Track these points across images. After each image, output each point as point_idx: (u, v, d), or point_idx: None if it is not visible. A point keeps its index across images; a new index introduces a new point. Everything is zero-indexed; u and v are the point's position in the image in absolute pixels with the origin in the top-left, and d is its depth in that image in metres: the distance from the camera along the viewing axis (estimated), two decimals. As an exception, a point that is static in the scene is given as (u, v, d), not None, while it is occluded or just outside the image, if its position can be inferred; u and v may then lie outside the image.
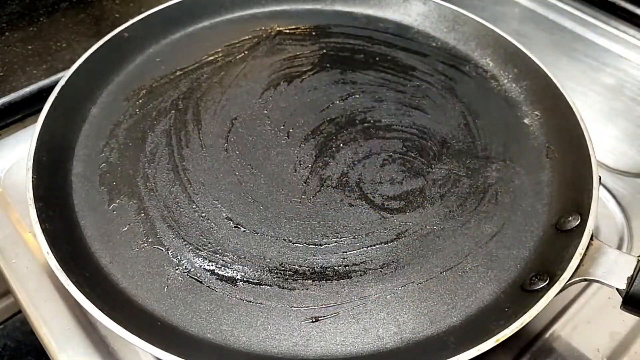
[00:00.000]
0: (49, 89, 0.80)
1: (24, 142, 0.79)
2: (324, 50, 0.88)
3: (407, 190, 0.69)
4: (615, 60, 0.96)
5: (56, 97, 0.71)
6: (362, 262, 0.62)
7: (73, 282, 0.53)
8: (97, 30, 0.93)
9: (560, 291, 0.55)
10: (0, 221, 0.71)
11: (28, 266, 0.67)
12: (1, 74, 0.84)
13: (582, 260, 0.57)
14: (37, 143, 0.65)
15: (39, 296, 0.64)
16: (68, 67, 0.81)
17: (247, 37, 0.89)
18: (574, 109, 0.73)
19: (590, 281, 0.56)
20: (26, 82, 0.83)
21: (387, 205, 0.67)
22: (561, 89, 0.76)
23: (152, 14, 0.85)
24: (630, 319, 0.66)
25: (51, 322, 0.63)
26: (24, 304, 0.64)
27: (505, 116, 0.79)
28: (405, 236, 0.64)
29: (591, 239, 0.58)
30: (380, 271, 0.61)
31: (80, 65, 0.75)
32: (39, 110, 0.72)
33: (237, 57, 0.86)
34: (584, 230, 0.59)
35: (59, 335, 0.62)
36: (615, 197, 0.81)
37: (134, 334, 0.50)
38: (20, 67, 0.85)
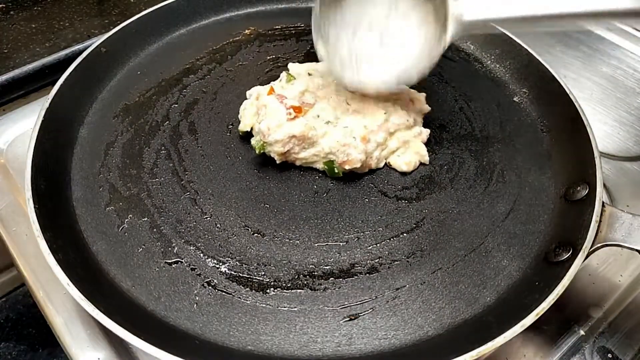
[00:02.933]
0: (52, 66, 0.84)
1: (26, 117, 0.82)
2: (306, 49, 0.87)
3: (417, 178, 0.69)
4: (610, 48, 0.99)
5: (43, 121, 0.67)
6: (387, 255, 0.61)
7: (102, 312, 0.50)
8: (99, 10, 0.93)
9: (585, 259, 0.56)
10: (1, 191, 0.72)
11: (27, 234, 0.67)
12: (5, 51, 0.84)
13: (599, 227, 0.59)
14: (32, 170, 0.62)
15: (38, 262, 0.64)
16: (70, 45, 0.85)
17: (227, 42, 0.88)
18: (561, 82, 0.75)
19: (612, 246, 0.58)
20: (29, 59, 0.84)
21: (401, 195, 0.67)
22: (544, 64, 0.78)
23: (126, 25, 0.82)
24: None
25: (48, 286, 0.63)
26: (23, 270, 0.65)
27: (495, 96, 0.81)
28: (424, 224, 0.65)
29: (602, 205, 0.60)
30: (407, 261, 0.61)
31: (62, 85, 0.72)
32: (42, 87, 0.78)
33: (221, 63, 0.84)
34: (595, 198, 0.61)
35: (55, 299, 0.62)
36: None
37: (177, 355, 0.48)
38: (24, 45, 0.86)
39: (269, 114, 0.67)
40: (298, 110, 0.67)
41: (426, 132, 0.72)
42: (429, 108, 0.74)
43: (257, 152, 0.68)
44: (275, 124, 0.66)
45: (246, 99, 0.75)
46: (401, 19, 0.65)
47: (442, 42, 0.63)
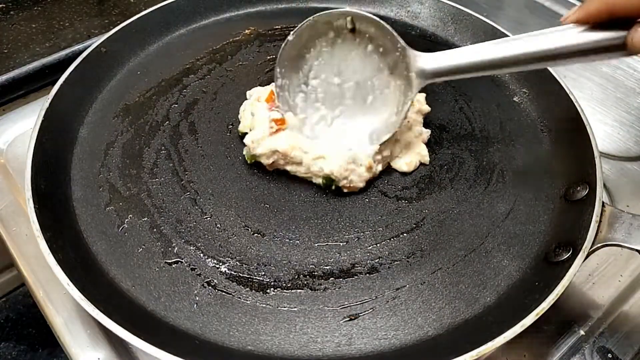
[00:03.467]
0: (52, 66, 0.84)
1: (26, 117, 0.81)
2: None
3: (417, 178, 0.69)
4: None
5: (43, 121, 0.67)
6: (387, 255, 0.61)
7: (102, 311, 0.50)
8: (99, 10, 0.93)
9: (585, 259, 0.56)
10: (1, 191, 0.72)
11: (27, 234, 0.67)
12: (5, 51, 0.84)
13: (599, 227, 0.59)
14: (32, 170, 0.62)
15: (38, 262, 0.64)
16: (70, 45, 0.85)
17: (227, 42, 0.88)
18: (561, 83, 0.75)
19: (612, 246, 0.58)
20: (29, 59, 0.84)
21: (401, 195, 0.67)
22: (545, 65, 0.78)
23: (126, 25, 0.82)
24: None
25: (48, 286, 0.62)
26: (23, 270, 0.64)
27: (495, 96, 0.81)
28: (424, 224, 0.65)
29: (602, 205, 0.60)
30: (407, 261, 0.61)
31: (62, 85, 0.72)
32: (42, 87, 0.78)
33: (221, 63, 0.84)
34: (595, 198, 0.61)
35: (55, 299, 0.62)
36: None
37: (177, 355, 0.48)
38: (24, 45, 0.86)
39: (256, 124, 0.68)
40: (280, 122, 0.67)
41: (427, 132, 0.72)
42: (429, 108, 0.74)
43: (248, 161, 0.69)
44: (259, 136, 0.66)
45: (246, 99, 0.76)
46: (370, 82, 0.67)
47: (408, 95, 0.65)
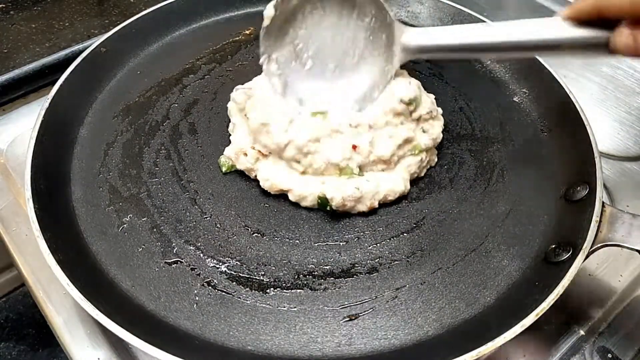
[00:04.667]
0: (52, 66, 0.84)
1: (26, 117, 0.81)
2: (306, 48, 0.87)
3: (417, 178, 0.69)
4: None
5: (42, 121, 0.67)
6: (387, 255, 0.61)
7: (102, 312, 0.50)
8: (99, 10, 0.93)
9: (585, 259, 0.56)
10: (1, 191, 0.72)
11: (27, 234, 0.67)
12: (5, 51, 0.84)
13: (599, 227, 0.59)
14: (32, 170, 0.62)
15: (38, 262, 0.64)
16: (70, 45, 0.85)
17: (227, 42, 0.88)
18: (561, 82, 0.75)
19: (612, 246, 0.58)
20: (29, 59, 0.84)
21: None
22: (544, 64, 0.78)
23: (126, 25, 0.82)
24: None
25: (48, 286, 0.63)
26: (23, 270, 0.65)
27: (495, 96, 0.81)
28: (424, 224, 0.65)
29: (602, 205, 0.60)
30: (407, 261, 0.61)
31: (61, 85, 0.72)
32: (42, 87, 0.78)
33: (221, 63, 0.84)
34: (595, 198, 0.61)
35: (55, 299, 0.62)
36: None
37: (177, 355, 0.48)
38: (24, 45, 0.86)
39: (237, 136, 0.69)
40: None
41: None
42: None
43: (223, 169, 0.69)
44: (240, 147, 0.67)
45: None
46: (354, 48, 0.67)
47: (389, 69, 0.65)
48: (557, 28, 0.55)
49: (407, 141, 0.66)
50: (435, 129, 0.69)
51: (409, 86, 0.67)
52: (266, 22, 0.66)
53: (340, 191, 0.62)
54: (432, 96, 0.71)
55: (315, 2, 0.65)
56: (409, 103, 0.66)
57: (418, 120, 0.68)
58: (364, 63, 0.67)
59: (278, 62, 0.68)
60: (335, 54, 0.68)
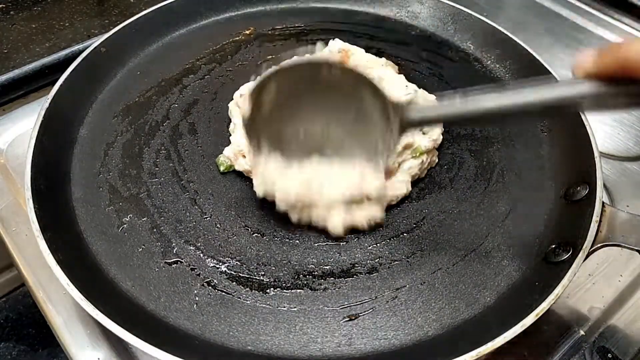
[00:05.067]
0: (52, 66, 0.84)
1: (26, 117, 0.81)
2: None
3: (417, 178, 0.69)
4: None
5: (43, 121, 0.67)
6: (387, 255, 0.61)
7: (102, 312, 0.50)
8: (99, 10, 0.93)
9: (585, 259, 0.56)
10: (1, 191, 0.72)
11: (27, 234, 0.67)
12: (5, 51, 0.84)
13: (599, 227, 0.59)
14: (32, 170, 0.62)
15: (38, 262, 0.64)
16: (70, 45, 0.85)
17: (227, 42, 0.88)
18: (561, 83, 0.75)
19: (612, 246, 0.58)
20: (29, 59, 0.84)
21: (401, 195, 0.67)
22: (544, 64, 0.78)
23: (126, 25, 0.82)
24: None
25: (48, 286, 0.63)
26: (23, 270, 0.65)
27: (495, 96, 0.80)
28: (424, 224, 0.65)
29: (602, 205, 0.60)
30: (407, 261, 0.61)
31: (61, 85, 0.72)
32: (42, 87, 0.78)
33: (221, 63, 0.84)
34: (595, 198, 0.61)
35: (55, 299, 0.62)
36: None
37: (177, 355, 0.48)
38: (24, 45, 0.86)
39: (237, 137, 0.68)
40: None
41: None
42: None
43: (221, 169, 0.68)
44: (239, 149, 0.67)
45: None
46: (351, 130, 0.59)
47: (391, 144, 0.56)
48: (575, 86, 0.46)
49: (407, 147, 0.66)
50: (435, 131, 0.69)
51: (406, 89, 0.67)
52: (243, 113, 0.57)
53: (341, 217, 0.61)
54: (432, 97, 0.71)
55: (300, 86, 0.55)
56: None
57: None
58: (361, 143, 0.59)
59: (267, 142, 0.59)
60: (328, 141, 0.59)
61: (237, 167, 0.67)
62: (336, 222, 0.61)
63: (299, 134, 0.59)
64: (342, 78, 0.53)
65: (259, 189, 0.62)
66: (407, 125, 0.53)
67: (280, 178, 0.60)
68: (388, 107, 0.53)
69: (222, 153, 0.69)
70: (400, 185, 0.65)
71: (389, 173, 0.65)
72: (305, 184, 0.60)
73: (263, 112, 0.56)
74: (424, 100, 0.72)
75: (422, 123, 0.57)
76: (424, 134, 0.68)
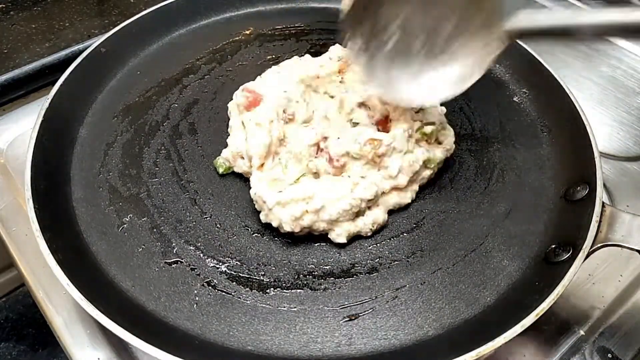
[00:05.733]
0: (52, 66, 0.84)
1: (26, 117, 0.81)
2: (306, 49, 0.87)
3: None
4: (610, 49, 0.99)
5: (42, 121, 0.67)
6: (387, 255, 0.61)
7: (102, 312, 0.50)
8: (99, 10, 0.94)
9: (585, 259, 0.56)
10: (1, 191, 0.72)
11: (27, 234, 0.67)
12: (5, 51, 0.85)
13: (599, 227, 0.59)
14: (32, 170, 0.62)
15: (38, 262, 0.64)
16: (70, 45, 0.85)
17: (227, 42, 0.88)
18: (561, 83, 0.75)
19: (612, 246, 0.58)
20: (29, 59, 0.84)
21: (401, 195, 0.67)
22: (544, 64, 0.78)
23: (126, 25, 0.82)
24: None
25: (48, 286, 0.63)
26: (23, 270, 0.65)
27: (495, 96, 0.81)
28: (424, 224, 0.65)
29: (602, 205, 0.60)
30: (407, 261, 0.61)
31: (61, 85, 0.72)
32: (42, 87, 0.79)
33: (221, 63, 0.84)
34: (595, 198, 0.61)
35: (55, 299, 0.62)
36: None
37: (177, 355, 0.48)
38: (24, 45, 0.86)
39: (234, 138, 0.68)
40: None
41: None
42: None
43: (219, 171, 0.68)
44: (237, 151, 0.67)
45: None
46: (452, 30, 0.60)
47: (491, 52, 0.58)
48: None
49: (427, 161, 0.66)
50: (448, 139, 0.69)
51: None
52: (345, 6, 0.59)
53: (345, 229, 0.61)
54: (442, 108, 0.72)
55: None
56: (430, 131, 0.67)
57: (430, 134, 0.67)
58: (455, 44, 0.60)
59: (362, 37, 0.61)
60: (423, 31, 0.60)
61: (236, 169, 0.67)
62: (340, 234, 0.61)
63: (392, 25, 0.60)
64: None
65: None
66: (515, 35, 0.56)
67: (280, 205, 0.60)
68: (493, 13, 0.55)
69: (219, 155, 0.69)
70: (408, 195, 0.65)
71: (401, 189, 0.65)
72: (307, 206, 0.60)
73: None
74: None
75: (533, 33, 0.57)
76: (439, 143, 0.68)
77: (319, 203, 0.59)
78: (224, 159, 0.68)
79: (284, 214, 0.59)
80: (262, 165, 0.64)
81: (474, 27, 0.58)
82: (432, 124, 0.67)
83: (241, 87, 0.72)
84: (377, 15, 0.60)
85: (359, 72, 0.64)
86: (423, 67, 0.61)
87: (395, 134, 0.64)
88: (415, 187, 0.66)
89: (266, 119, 0.65)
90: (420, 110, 0.68)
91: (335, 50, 0.76)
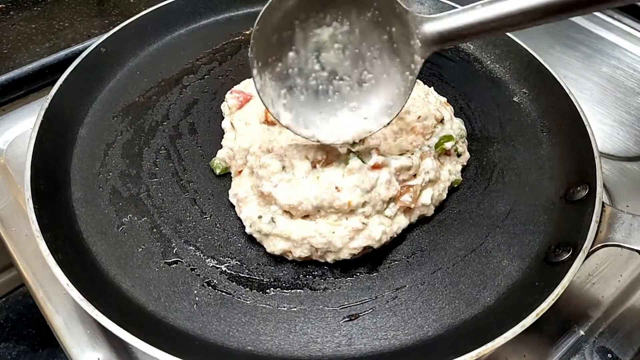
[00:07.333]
0: (52, 66, 0.84)
1: (26, 117, 0.81)
2: (306, 48, 0.87)
3: (417, 179, 0.69)
4: (610, 49, 0.99)
5: (42, 121, 0.67)
6: (387, 255, 0.61)
7: (102, 312, 0.50)
8: (99, 10, 0.93)
9: (585, 259, 0.56)
10: (1, 191, 0.72)
11: (27, 234, 0.67)
12: (5, 51, 0.84)
13: (599, 227, 0.59)
14: (32, 170, 0.62)
15: (38, 263, 0.64)
16: (70, 45, 0.85)
17: (227, 42, 0.88)
18: (561, 83, 0.75)
19: (612, 246, 0.58)
20: (29, 59, 0.84)
21: (401, 195, 0.67)
22: (544, 64, 0.78)
23: (126, 25, 0.82)
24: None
25: (48, 286, 0.63)
26: (23, 270, 0.65)
27: (495, 96, 0.81)
28: (423, 224, 0.65)
29: (602, 206, 0.60)
30: (407, 261, 0.61)
31: (61, 85, 0.71)
32: (42, 87, 0.78)
33: (221, 63, 0.84)
34: (595, 198, 0.61)
35: (55, 299, 0.62)
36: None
37: (177, 355, 0.48)
38: (24, 45, 0.86)
39: (228, 140, 0.68)
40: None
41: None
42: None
43: (216, 172, 0.68)
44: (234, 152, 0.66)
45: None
46: (367, 59, 0.57)
47: (413, 68, 0.55)
48: None
49: (454, 184, 0.68)
50: (465, 151, 0.70)
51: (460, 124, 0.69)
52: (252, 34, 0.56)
53: (339, 237, 0.59)
54: (444, 99, 0.71)
55: (310, 7, 0.54)
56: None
57: (450, 149, 0.68)
58: (378, 71, 0.56)
59: (274, 93, 0.56)
60: (341, 69, 0.57)
61: (232, 170, 0.67)
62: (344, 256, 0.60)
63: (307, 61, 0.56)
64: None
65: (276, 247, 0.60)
66: (430, 42, 0.52)
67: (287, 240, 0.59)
68: (402, 15, 0.53)
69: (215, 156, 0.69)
70: (429, 210, 0.65)
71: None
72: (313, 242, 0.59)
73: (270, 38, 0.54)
74: (435, 98, 0.72)
75: (447, 39, 0.53)
76: (459, 155, 0.69)
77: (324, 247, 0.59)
78: (220, 160, 0.68)
79: (279, 245, 0.59)
80: (245, 164, 0.64)
81: (389, 44, 0.55)
82: (451, 138, 0.67)
83: (230, 91, 0.72)
84: (283, 49, 0.55)
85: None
86: (342, 103, 0.58)
87: (426, 166, 0.63)
88: (437, 203, 0.67)
89: (255, 116, 0.65)
90: (439, 123, 0.68)
91: None
